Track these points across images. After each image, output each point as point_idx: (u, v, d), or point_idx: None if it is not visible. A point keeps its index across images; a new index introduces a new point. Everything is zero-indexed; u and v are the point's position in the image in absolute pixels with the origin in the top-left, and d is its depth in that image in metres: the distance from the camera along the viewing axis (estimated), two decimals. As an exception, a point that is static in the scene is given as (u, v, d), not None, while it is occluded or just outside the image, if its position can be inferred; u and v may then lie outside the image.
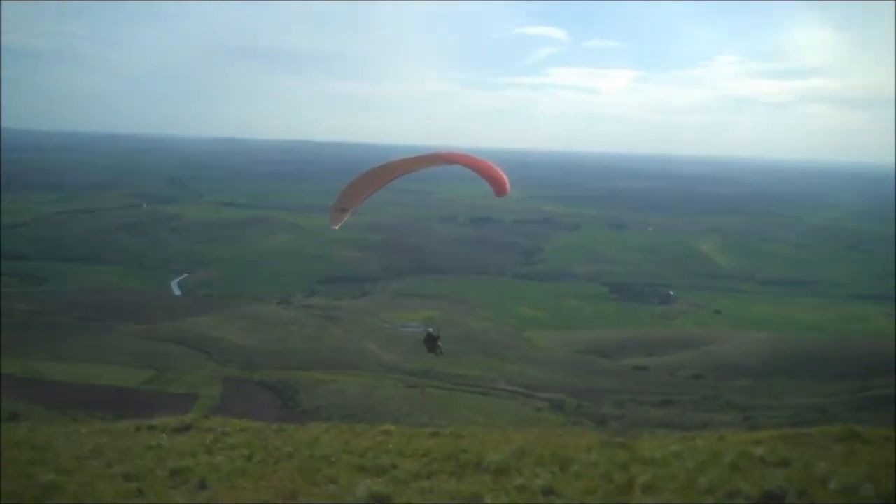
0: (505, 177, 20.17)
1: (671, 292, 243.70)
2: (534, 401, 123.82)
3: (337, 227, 22.13)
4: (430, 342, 24.34)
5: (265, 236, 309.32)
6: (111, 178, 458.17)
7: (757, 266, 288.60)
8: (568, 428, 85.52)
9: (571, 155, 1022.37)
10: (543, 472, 15.82)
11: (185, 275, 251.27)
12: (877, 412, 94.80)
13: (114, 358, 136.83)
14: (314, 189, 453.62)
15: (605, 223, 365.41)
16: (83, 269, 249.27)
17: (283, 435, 23.20)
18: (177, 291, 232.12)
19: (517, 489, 14.92)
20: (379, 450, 19.71)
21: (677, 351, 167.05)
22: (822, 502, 12.94)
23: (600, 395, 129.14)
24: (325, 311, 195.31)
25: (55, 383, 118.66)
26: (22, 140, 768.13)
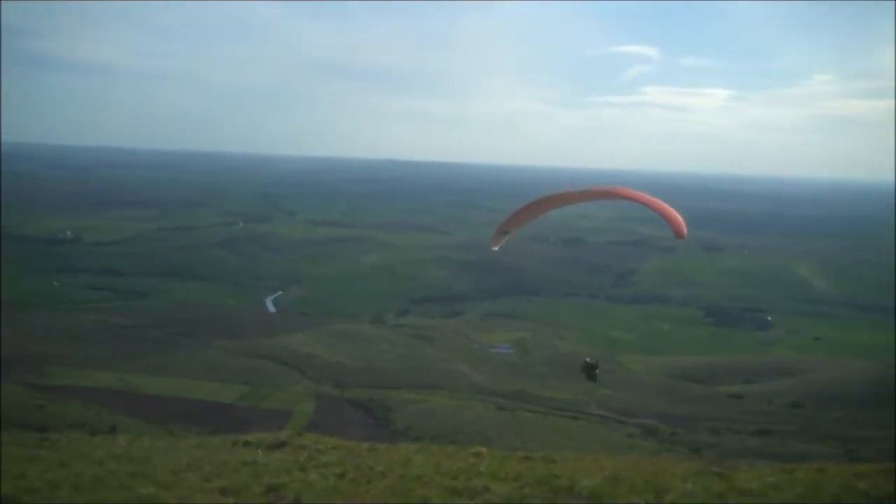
0: (681, 219, 20.08)
1: (768, 318, 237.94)
2: (626, 426, 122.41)
3: (496, 248, 22.61)
4: (588, 370, 25.10)
5: (358, 255, 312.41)
6: (206, 195, 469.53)
7: (857, 291, 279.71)
8: (661, 455, 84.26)
9: (665, 175, 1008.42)
10: (638, 500, 15.58)
11: (280, 292, 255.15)
12: None
13: (209, 373, 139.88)
14: (405, 208, 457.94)
15: (699, 246, 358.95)
16: (180, 284, 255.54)
17: (376, 454, 23.30)
18: (271, 308, 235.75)
19: (611, 517, 14.72)
20: (471, 472, 19.63)
21: (775, 378, 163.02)
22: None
23: (694, 422, 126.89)
24: (417, 330, 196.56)
25: (152, 397, 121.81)
26: (118, 158, 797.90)
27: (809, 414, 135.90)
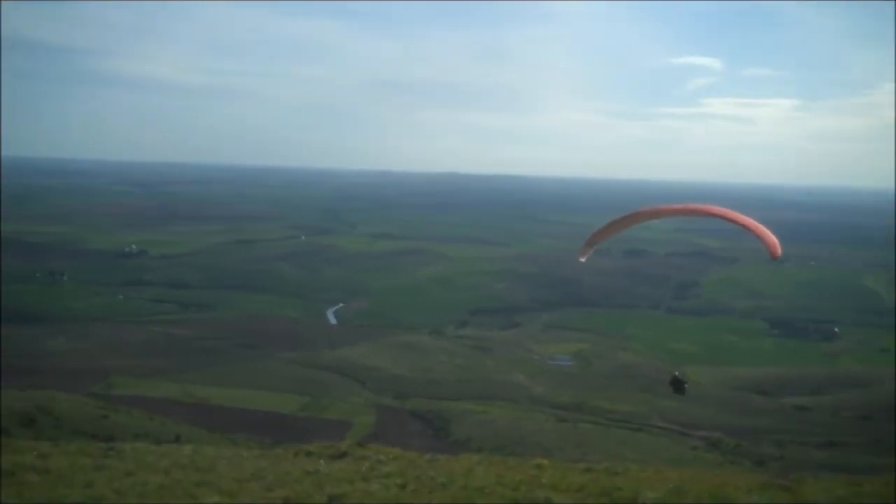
0: (776, 239, 20.19)
1: (835, 329, 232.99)
2: (689, 438, 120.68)
3: (583, 260, 23.14)
4: (676, 384, 25.79)
5: (417, 267, 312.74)
6: (268, 209, 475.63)
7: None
8: (725, 468, 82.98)
9: (727, 186, 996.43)
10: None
11: (341, 304, 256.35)
12: None
13: (271, 384, 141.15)
14: (464, 221, 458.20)
15: (763, 257, 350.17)
16: (243, 297, 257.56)
17: (437, 465, 23.32)
18: (332, 320, 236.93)
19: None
20: (532, 484, 19.56)
21: (841, 390, 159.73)
22: None
23: (759, 434, 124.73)
24: (476, 341, 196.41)
25: (216, 407, 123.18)
26: (181, 173, 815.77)
27: (877, 426, 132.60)
